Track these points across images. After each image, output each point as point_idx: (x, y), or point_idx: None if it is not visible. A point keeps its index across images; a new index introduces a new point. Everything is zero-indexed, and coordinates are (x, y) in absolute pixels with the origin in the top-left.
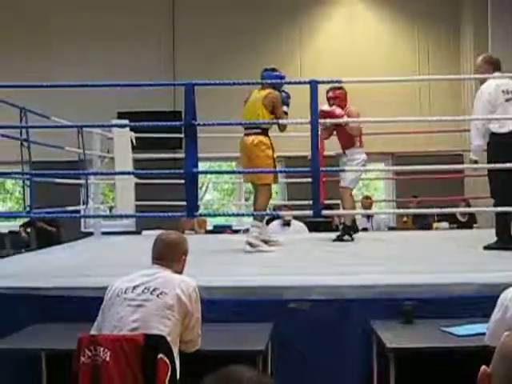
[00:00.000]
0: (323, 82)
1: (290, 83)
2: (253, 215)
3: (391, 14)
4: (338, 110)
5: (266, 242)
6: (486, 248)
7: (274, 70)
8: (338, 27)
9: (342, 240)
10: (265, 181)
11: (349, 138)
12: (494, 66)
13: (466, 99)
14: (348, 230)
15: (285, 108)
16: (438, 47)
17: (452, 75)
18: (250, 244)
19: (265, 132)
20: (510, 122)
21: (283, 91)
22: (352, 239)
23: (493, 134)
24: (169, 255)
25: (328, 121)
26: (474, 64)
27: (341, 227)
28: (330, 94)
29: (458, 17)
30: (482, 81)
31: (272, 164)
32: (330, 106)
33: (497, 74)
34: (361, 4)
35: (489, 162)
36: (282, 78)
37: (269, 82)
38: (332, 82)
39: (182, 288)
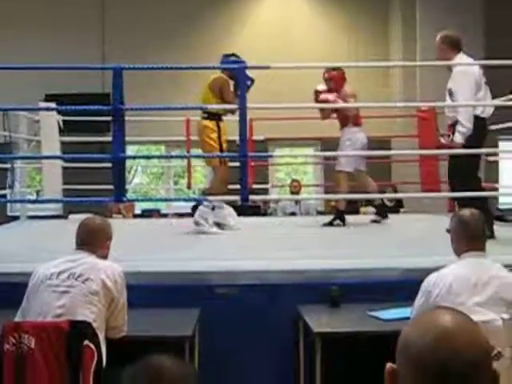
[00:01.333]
0: (250, 68)
1: (218, 68)
2: (188, 199)
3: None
4: (330, 97)
5: (219, 224)
6: None
7: (232, 55)
8: (270, 13)
9: (332, 225)
10: (213, 164)
11: (343, 117)
12: (456, 46)
13: (395, 85)
14: (340, 215)
15: None
16: (368, 33)
17: (381, 62)
18: (196, 223)
19: (211, 116)
20: (489, 107)
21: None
22: (344, 224)
23: (476, 118)
24: (93, 241)
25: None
26: (402, 51)
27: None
28: (326, 75)
29: (387, 3)
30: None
31: (217, 148)
32: (327, 87)
33: (461, 55)
34: None
35: (467, 147)
36: (235, 63)
37: (183, 66)
38: (259, 67)
39: (107, 273)
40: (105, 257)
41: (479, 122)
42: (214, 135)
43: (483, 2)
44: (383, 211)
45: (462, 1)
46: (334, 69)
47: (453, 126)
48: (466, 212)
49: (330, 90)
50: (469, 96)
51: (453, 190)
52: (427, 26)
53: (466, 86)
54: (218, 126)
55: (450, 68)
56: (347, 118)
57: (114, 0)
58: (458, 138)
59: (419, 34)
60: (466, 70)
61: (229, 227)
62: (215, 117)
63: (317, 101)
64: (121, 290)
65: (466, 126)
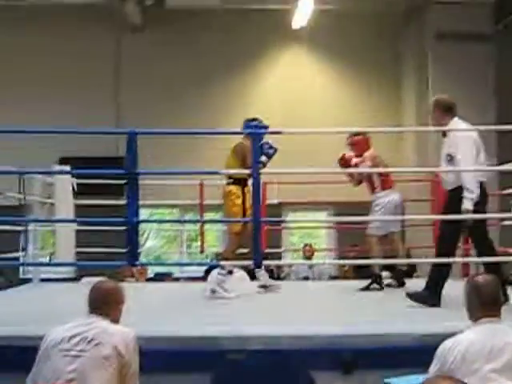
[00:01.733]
0: (263, 133)
1: (232, 133)
2: (202, 264)
3: (340, 70)
4: (354, 160)
5: (264, 286)
6: (408, 295)
7: (254, 120)
8: (285, 75)
9: (368, 289)
10: (232, 230)
11: (370, 183)
12: (448, 110)
13: (407, 151)
14: (376, 279)
15: (262, 158)
16: (382, 98)
17: (393, 127)
18: (213, 291)
19: (236, 181)
20: (485, 173)
21: (266, 142)
22: (381, 288)
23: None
24: (105, 305)
25: (268, 171)
26: (415, 117)
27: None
28: (349, 140)
29: (401, 69)
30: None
31: (240, 212)
32: (351, 151)
33: (456, 120)
34: (305, 55)
35: (475, 212)
36: (258, 127)
37: (199, 131)
38: (272, 132)
39: (119, 338)
40: (117, 321)
41: (481, 186)
42: (239, 201)
43: (495, 65)
44: (401, 277)
45: (474, 64)
46: (357, 134)
47: (453, 191)
48: (480, 277)
49: (355, 156)
50: (472, 161)
51: (439, 254)
52: (440, 89)
53: (468, 151)
54: (243, 192)
55: (444, 133)
56: (372, 184)
57: (128, 60)
58: (469, 205)
59: (431, 98)
60: (467, 136)
61: (276, 287)
62: (240, 182)
63: (341, 166)
64: (133, 355)
65: (474, 192)
